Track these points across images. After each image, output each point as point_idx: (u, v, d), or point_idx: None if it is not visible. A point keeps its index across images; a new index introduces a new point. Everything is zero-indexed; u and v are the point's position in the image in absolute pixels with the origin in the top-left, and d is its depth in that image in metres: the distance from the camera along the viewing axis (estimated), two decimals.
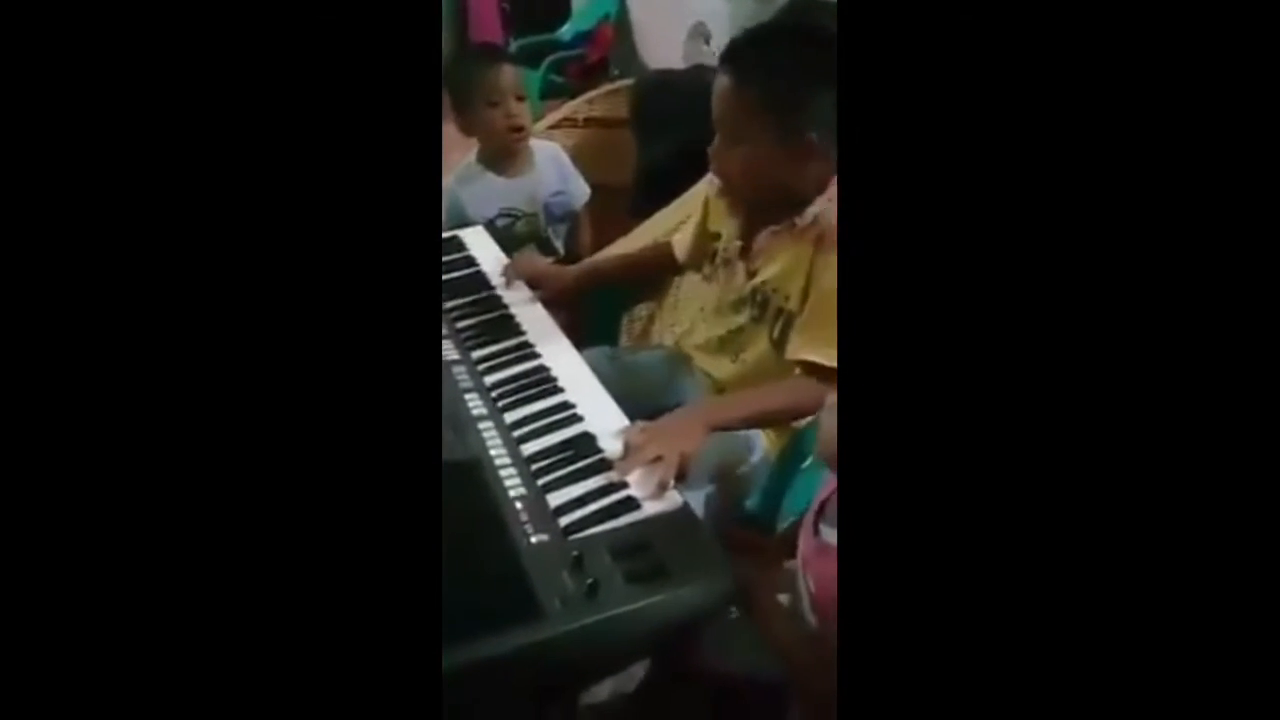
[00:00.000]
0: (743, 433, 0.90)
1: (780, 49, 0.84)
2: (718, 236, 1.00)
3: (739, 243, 0.95)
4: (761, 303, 0.92)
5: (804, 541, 0.71)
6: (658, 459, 0.74)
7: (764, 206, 0.91)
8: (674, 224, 1.22)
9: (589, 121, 1.75)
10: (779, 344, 0.90)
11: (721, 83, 0.85)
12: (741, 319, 0.95)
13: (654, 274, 1.20)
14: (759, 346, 0.93)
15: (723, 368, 0.98)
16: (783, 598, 0.73)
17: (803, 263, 0.87)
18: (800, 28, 0.82)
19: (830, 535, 0.68)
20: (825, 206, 0.86)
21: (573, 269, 1.18)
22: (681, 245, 1.08)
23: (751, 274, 0.94)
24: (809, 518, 0.71)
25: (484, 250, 1.18)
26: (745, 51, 0.86)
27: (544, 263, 1.27)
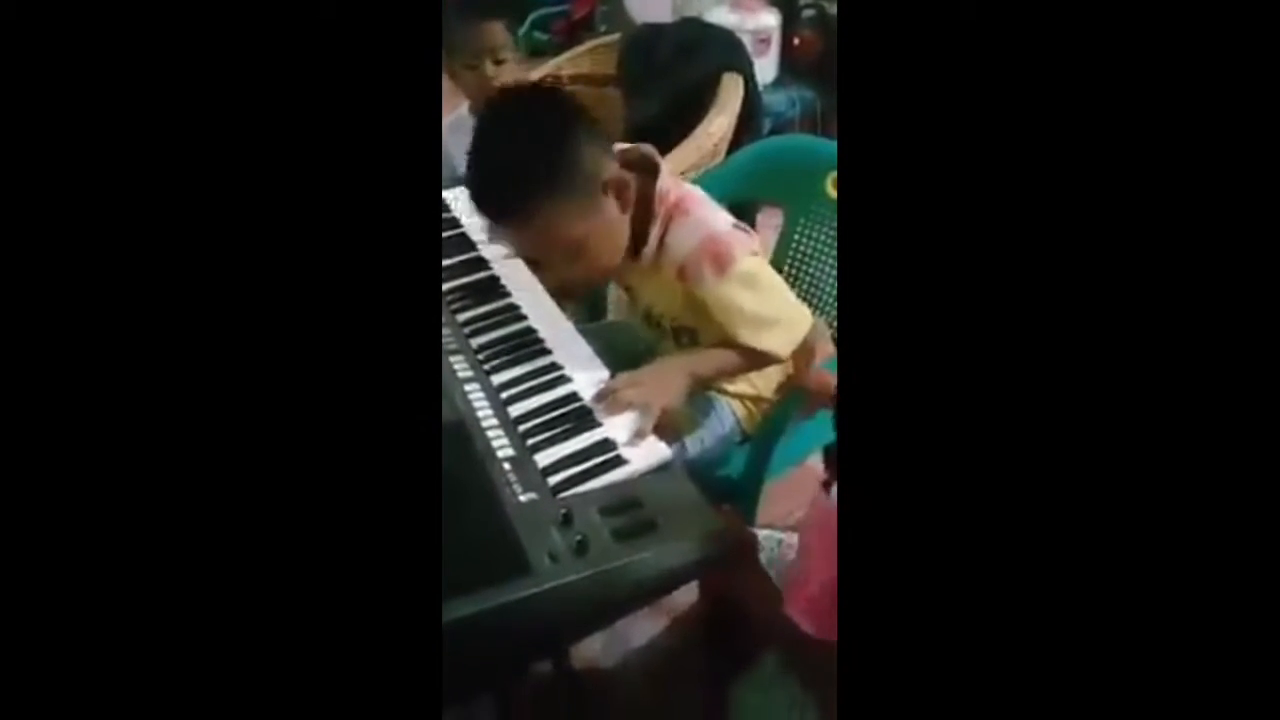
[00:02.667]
0: (709, 403, 0.91)
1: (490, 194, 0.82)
2: None
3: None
4: (656, 324, 0.95)
5: (815, 505, 0.71)
6: (639, 406, 0.75)
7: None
8: None
9: (575, 79, 1.71)
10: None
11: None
12: (651, 335, 0.98)
13: None
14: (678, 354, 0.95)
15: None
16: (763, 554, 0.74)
17: (675, 294, 0.88)
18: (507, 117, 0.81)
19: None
20: (660, 236, 0.86)
21: None
22: None
23: (630, 290, 0.96)
24: (820, 477, 0.72)
25: (468, 211, 1.16)
26: (475, 178, 0.83)
27: None
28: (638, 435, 0.73)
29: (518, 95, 0.88)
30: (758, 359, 0.87)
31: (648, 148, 0.90)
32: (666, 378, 0.82)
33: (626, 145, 0.90)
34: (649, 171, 0.87)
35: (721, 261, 0.83)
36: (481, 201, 0.83)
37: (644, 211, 0.85)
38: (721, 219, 0.87)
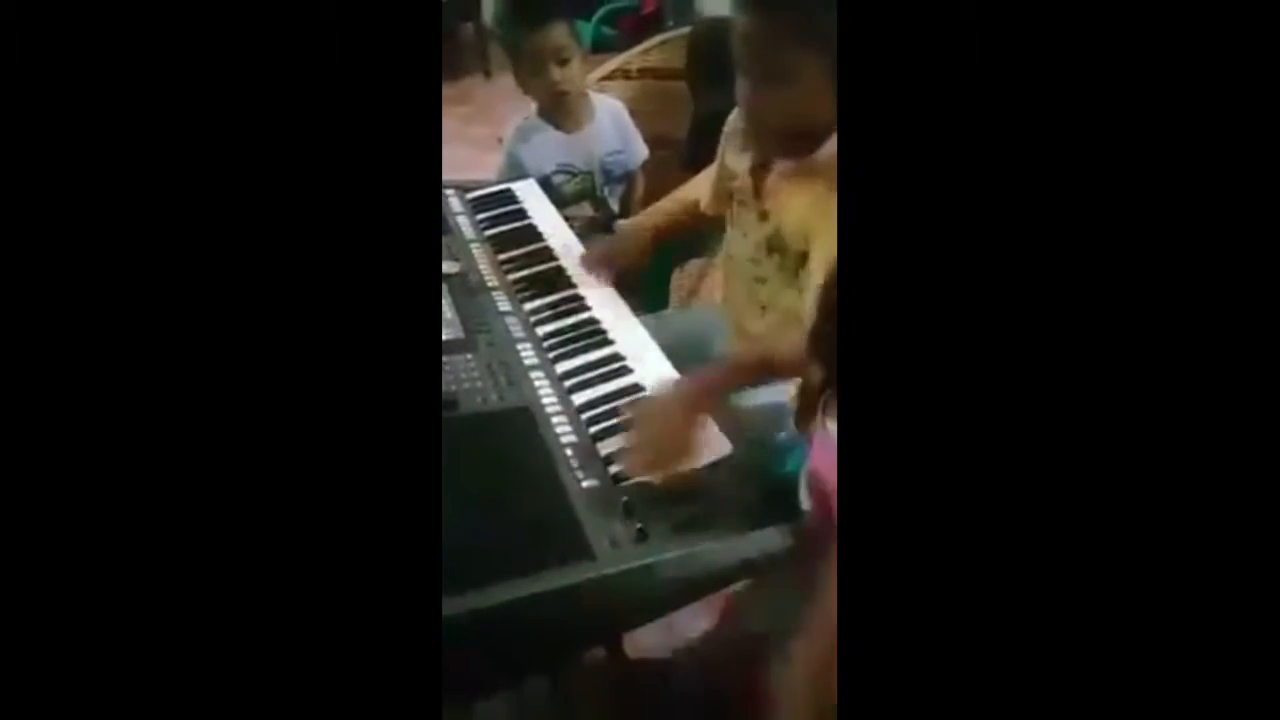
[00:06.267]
0: (774, 403, 0.88)
1: None
2: (734, 176, 0.97)
3: (750, 181, 0.92)
4: (781, 249, 0.89)
5: (816, 442, 0.70)
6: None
7: (781, 143, 0.88)
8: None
9: (643, 73, 1.71)
10: (805, 290, 0.87)
11: (737, 21, 0.82)
12: (764, 268, 0.92)
13: (689, 229, 1.18)
14: (785, 296, 0.90)
15: (755, 320, 0.96)
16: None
17: (819, 202, 0.83)
18: None
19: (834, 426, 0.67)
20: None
21: (630, 243, 1.13)
22: (704, 193, 1.05)
23: (763, 215, 0.91)
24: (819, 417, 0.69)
25: (536, 203, 1.18)
26: None
27: (607, 244, 1.19)
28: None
29: None
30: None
31: None
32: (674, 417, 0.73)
33: None
34: None
35: None
36: None
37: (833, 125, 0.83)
38: None
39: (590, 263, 1.05)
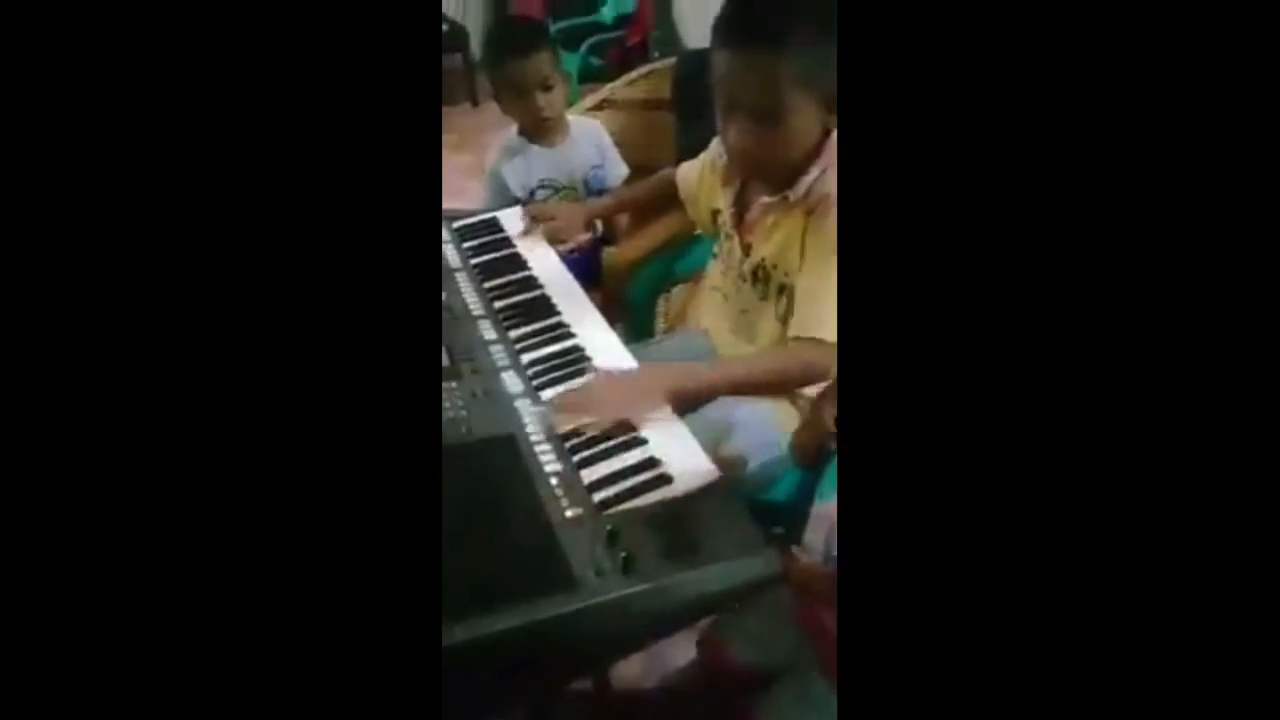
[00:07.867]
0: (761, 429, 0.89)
1: (769, 13, 0.82)
2: (719, 211, 1.00)
3: (733, 212, 0.94)
4: (764, 280, 0.92)
5: None
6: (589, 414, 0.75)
7: (762, 178, 0.91)
8: None
9: (629, 103, 1.74)
10: (786, 320, 0.90)
11: (716, 58, 0.84)
12: (747, 298, 0.95)
13: (657, 204, 1.21)
14: (769, 326, 0.93)
15: (741, 350, 0.98)
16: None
17: (797, 235, 0.86)
18: None
19: None
20: (818, 175, 0.85)
21: (583, 206, 1.23)
22: (684, 177, 1.08)
23: (746, 248, 0.93)
24: None
25: (520, 230, 1.18)
26: (735, 22, 0.84)
27: (558, 207, 1.27)
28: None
29: None
30: (782, 364, 0.85)
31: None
32: (641, 391, 0.80)
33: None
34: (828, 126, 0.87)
35: None
36: (747, 21, 0.83)
37: (813, 152, 0.86)
38: None
39: (528, 215, 1.14)
